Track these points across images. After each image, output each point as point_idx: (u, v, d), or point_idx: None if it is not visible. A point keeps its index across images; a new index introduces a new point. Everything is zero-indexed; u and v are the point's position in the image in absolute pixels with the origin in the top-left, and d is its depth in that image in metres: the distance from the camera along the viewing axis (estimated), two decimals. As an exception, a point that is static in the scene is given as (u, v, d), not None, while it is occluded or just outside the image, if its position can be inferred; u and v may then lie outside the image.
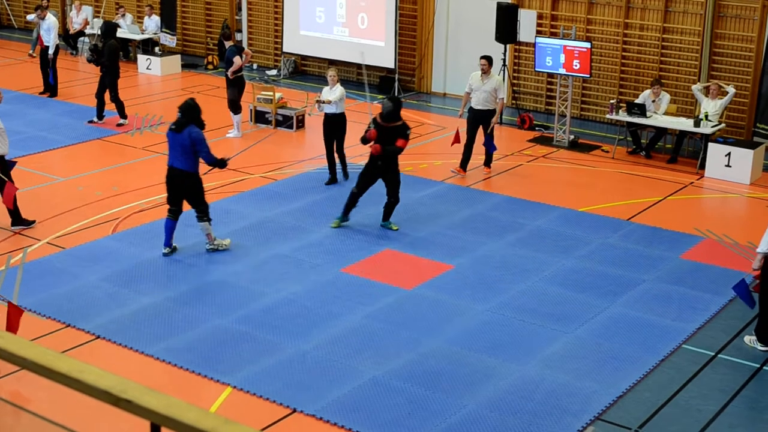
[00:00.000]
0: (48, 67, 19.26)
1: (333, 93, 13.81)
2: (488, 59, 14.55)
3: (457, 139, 14.71)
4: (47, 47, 19.21)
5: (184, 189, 11.23)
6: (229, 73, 16.25)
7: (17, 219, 12.14)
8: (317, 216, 12.82)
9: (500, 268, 11.30)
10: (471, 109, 14.62)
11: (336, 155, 14.20)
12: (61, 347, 9.06)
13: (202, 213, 11.30)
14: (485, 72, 14.45)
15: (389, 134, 12.05)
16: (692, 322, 10.07)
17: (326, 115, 13.97)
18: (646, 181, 14.81)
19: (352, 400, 8.36)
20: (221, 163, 11.52)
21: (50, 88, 19.42)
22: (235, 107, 16.54)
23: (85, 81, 20.80)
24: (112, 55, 16.78)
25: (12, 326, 8.58)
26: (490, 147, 14.72)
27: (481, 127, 14.58)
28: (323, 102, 13.83)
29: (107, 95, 17.08)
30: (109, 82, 16.92)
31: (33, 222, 12.22)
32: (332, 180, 14.11)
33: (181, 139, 11.03)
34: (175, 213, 11.31)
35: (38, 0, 22.26)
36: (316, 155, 15.69)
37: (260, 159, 15.47)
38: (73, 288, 10.55)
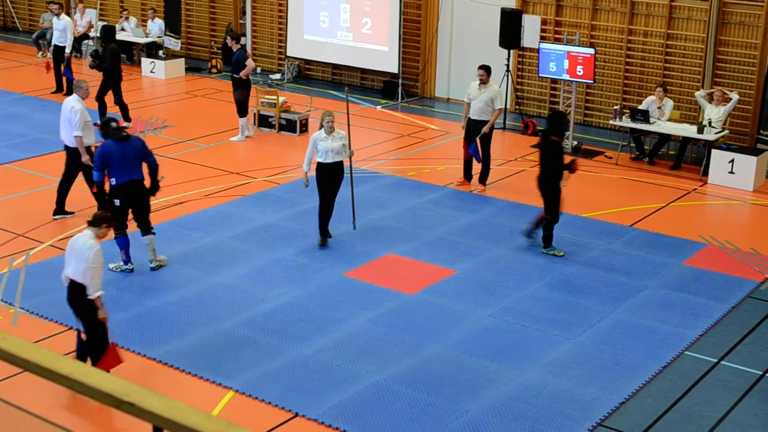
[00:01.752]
0: (62, 65, 19.35)
1: (335, 141, 11.70)
2: (486, 69, 14.20)
3: (467, 152, 14.35)
4: (61, 47, 19.29)
5: (140, 200, 10.84)
6: (242, 74, 16.30)
7: (60, 208, 12.64)
8: (320, 220, 12.81)
9: (503, 274, 11.29)
10: (469, 120, 14.27)
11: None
12: (64, 350, 9.06)
13: (150, 225, 10.96)
14: (484, 82, 14.15)
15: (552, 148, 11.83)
16: (695, 328, 10.05)
17: (321, 164, 11.73)
18: (649, 187, 14.80)
19: (354, 404, 8.35)
20: (157, 185, 11.04)
21: (69, 85, 19.53)
22: (242, 109, 16.58)
23: (90, 84, 20.78)
24: (113, 58, 16.82)
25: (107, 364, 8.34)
26: (475, 154, 14.17)
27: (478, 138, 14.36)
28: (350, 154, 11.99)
29: (109, 98, 17.10)
30: (112, 86, 16.94)
31: (72, 213, 12.72)
32: (325, 242, 11.97)
33: (133, 146, 10.79)
34: (125, 228, 10.93)
35: (43, 2, 22.30)
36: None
37: (263, 163, 15.49)
38: (76, 291, 10.54)
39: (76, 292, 8.23)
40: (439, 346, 9.46)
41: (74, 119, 12.30)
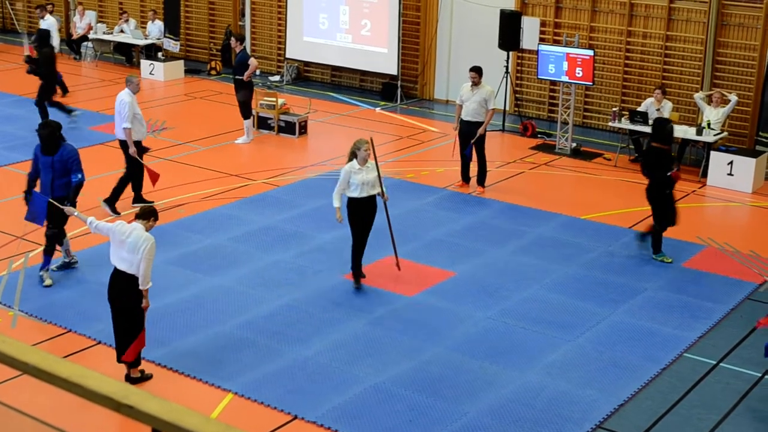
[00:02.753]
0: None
1: (370, 173, 10.56)
2: (478, 71, 14.11)
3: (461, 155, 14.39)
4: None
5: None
6: (245, 76, 16.32)
7: (138, 197, 13.03)
8: (319, 222, 12.81)
9: (502, 276, 11.30)
10: (462, 121, 14.23)
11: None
12: (63, 352, 9.07)
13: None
14: (476, 84, 14.08)
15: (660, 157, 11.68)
16: (694, 330, 10.06)
17: (355, 199, 10.58)
18: (648, 189, 14.79)
19: (353, 407, 8.35)
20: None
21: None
22: (246, 110, 16.60)
23: (89, 86, 20.84)
24: (47, 62, 16.75)
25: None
26: (468, 154, 14.13)
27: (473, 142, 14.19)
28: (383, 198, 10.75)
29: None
30: (45, 89, 16.78)
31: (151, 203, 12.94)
32: (359, 285, 10.89)
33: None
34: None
35: (42, 2, 22.30)
36: (318, 161, 15.71)
37: (262, 165, 15.49)
38: (74, 293, 10.55)
39: (124, 282, 8.46)
40: (438, 348, 9.47)
41: (123, 111, 12.68)
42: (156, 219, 8.68)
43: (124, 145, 12.92)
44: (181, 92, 20.52)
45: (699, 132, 15.27)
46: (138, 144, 12.88)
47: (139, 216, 8.61)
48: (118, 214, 12.68)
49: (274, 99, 17.51)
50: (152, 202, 12.75)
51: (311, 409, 8.30)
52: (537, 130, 17.70)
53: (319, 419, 8.14)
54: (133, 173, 12.96)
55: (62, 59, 23.24)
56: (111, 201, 12.88)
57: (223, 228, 12.55)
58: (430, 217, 13.13)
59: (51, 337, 9.57)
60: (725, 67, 16.69)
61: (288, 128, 17.28)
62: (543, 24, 18.44)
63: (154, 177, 12.68)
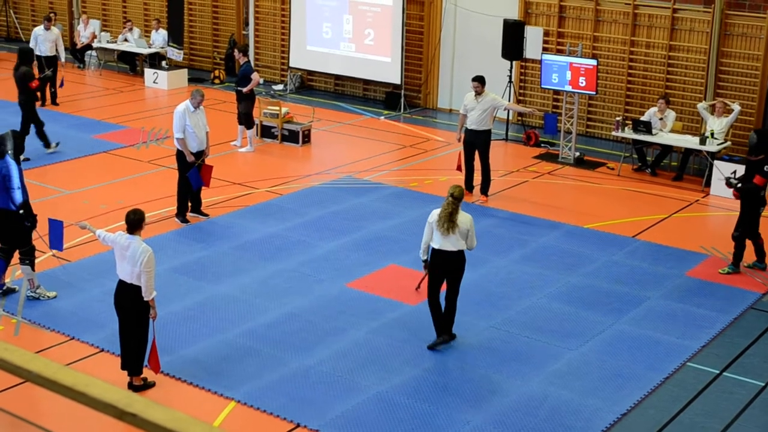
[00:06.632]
0: None
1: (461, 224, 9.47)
2: (480, 80, 14.05)
3: (460, 167, 14.40)
4: None
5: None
6: (245, 90, 16.35)
7: (194, 207, 13.27)
8: (322, 231, 12.83)
9: (505, 285, 11.29)
10: (467, 130, 14.22)
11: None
12: (66, 360, 9.07)
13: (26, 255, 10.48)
14: (479, 93, 14.05)
15: (751, 168, 11.69)
16: (697, 339, 10.05)
17: (437, 251, 9.38)
18: (651, 198, 14.80)
19: (356, 415, 8.35)
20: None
21: None
22: (249, 121, 16.64)
23: (92, 95, 20.87)
24: (21, 81, 15.62)
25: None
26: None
27: (477, 151, 14.23)
28: None
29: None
30: (22, 116, 15.72)
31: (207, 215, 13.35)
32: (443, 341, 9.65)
33: None
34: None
35: (46, 11, 22.36)
36: (321, 170, 15.72)
37: (266, 173, 15.50)
38: (78, 301, 10.56)
39: (128, 292, 8.50)
40: (441, 357, 9.46)
41: (174, 121, 13.04)
42: (143, 221, 8.55)
43: (177, 156, 13.13)
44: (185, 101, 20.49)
45: (702, 141, 15.26)
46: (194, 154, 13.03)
47: (128, 229, 8.56)
48: (188, 222, 13.04)
49: (277, 108, 17.54)
50: (207, 215, 13.23)
51: (314, 417, 8.29)
52: (540, 139, 17.71)
53: (322, 427, 8.14)
54: (184, 183, 13.07)
55: (66, 68, 23.33)
56: (180, 213, 13.07)
57: (226, 236, 12.56)
58: (433, 226, 13.11)
59: (54, 344, 9.58)
60: (728, 76, 16.69)
61: (291, 137, 17.30)
62: (546, 33, 18.45)
63: (207, 175, 13.05)
